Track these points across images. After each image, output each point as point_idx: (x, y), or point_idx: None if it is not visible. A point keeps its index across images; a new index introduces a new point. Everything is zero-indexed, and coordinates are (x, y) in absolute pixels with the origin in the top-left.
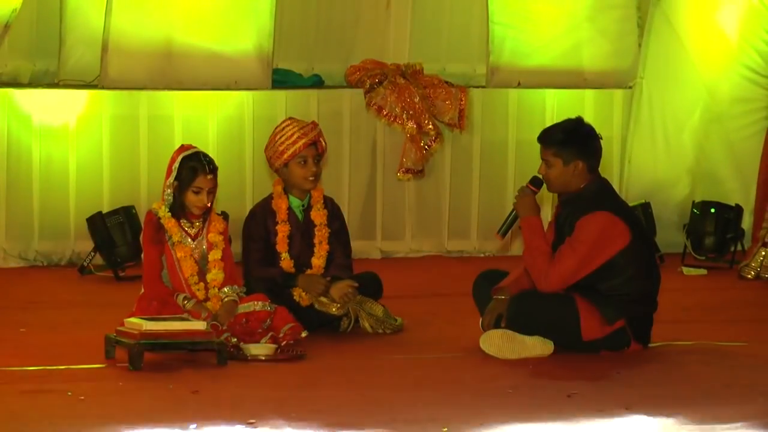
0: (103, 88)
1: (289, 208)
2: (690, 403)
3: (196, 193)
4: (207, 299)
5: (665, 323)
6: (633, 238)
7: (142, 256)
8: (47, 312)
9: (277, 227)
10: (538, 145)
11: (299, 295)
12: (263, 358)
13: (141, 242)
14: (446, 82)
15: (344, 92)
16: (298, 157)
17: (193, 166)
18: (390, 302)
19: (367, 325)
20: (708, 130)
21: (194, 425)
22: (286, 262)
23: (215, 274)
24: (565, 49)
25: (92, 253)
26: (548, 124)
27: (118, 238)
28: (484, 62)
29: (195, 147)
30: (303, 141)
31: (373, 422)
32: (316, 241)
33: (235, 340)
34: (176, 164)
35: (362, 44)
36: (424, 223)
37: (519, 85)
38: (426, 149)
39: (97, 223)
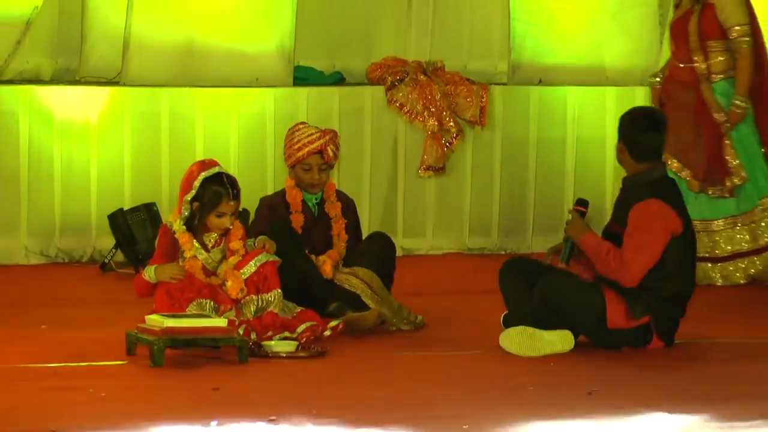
0: (124, 85)
1: (303, 202)
2: (711, 401)
3: (219, 216)
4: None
5: (686, 320)
6: (683, 231)
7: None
8: (68, 309)
9: (291, 217)
10: (558, 142)
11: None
12: (284, 355)
13: (155, 245)
14: (467, 80)
15: (365, 89)
16: (303, 163)
17: (218, 192)
18: (410, 300)
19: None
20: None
21: (215, 422)
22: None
23: (232, 283)
24: (587, 47)
25: (113, 250)
26: (569, 121)
27: (139, 235)
28: (506, 59)
29: (216, 164)
30: (307, 149)
31: (393, 419)
32: (334, 233)
33: (254, 335)
34: (197, 183)
35: (383, 41)
36: (445, 221)
37: (540, 83)
38: (447, 146)
39: (118, 219)
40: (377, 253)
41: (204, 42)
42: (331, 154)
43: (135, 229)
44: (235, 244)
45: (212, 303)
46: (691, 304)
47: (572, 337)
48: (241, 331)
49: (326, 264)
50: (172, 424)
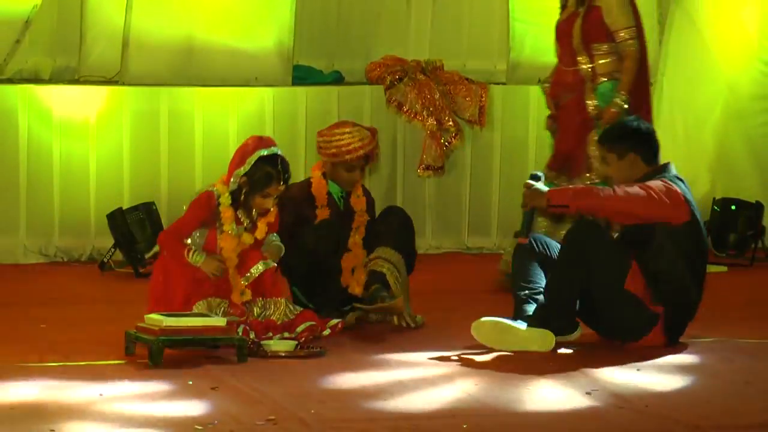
0: (123, 84)
1: (329, 194)
2: (711, 399)
3: (264, 197)
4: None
5: None
6: (691, 219)
7: (180, 220)
8: (67, 308)
9: (316, 212)
10: None
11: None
12: (283, 354)
13: (187, 208)
14: (467, 79)
15: (364, 89)
16: (348, 163)
17: (270, 173)
18: (410, 299)
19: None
20: (728, 127)
21: (214, 422)
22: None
23: (256, 268)
24: None
25: (112, 249)
26: None
27: (139, 234)
28: (505, 59)
29: (274, 143)
30: (357, 154)
31: (392, 419)
32: (354, 225)
33: (254, 335)
34: (251, 159)
35: (383, 40)
36: (444, 220)
37: (539, 82)
38: (446, 146)
39: (117, 219)
40: (398, 232)
41: (203, 41)
42: (376, 153)
43: (134, 229)
44: (263, 227)
45: (225, 305)
46: None
47: (553, 338)
48: (240, 332)
49: (356, 288)
50: (170, 424)
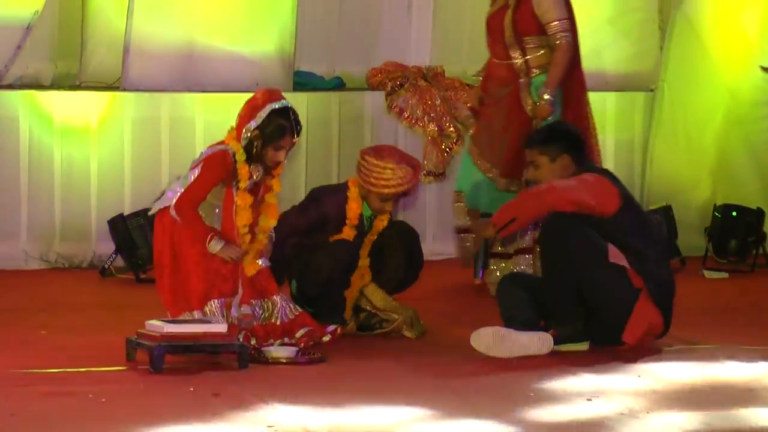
0: (124, 90)
1: (360, 215)
2: (711, 405)
3: (277, 150)
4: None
5: (687, 326)
6: (623, 205)
7: (191, 177)
8: (68, 314)
9: (344, 228)
10: None
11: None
12: (284, 361)
13: (197, 168)
14: (468, 85)
15: (365, 94)
16: (383, 195)
17: (283, 125)
18: (411, 304)
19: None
20: (729, 133)
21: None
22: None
23: (266, 221)
24: (587, 52)
25: (113, 255)
26: None
27: (140, 241)
28: None
29: (283, 96)
30: (395, 190)
31: (393, 426)
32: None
33: (254, 341)
34: (264, 113)
35: (384, 46)
36: (446, 226)
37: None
38: (447, 152)
39: (118, 225)
40: (400, 252)
41: (204, 47)
42: (413, 189)
43: (135, 235)
44: (273, 181)
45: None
46: None
47: (551, 340)
48: (241, 338)
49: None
50: (171, 430)
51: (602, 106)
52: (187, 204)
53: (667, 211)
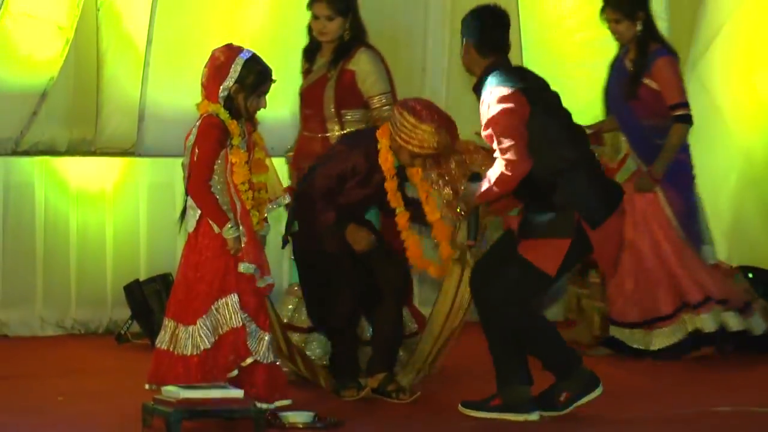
0: (139, 155)
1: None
2: None
3: (260, 96)
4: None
5: (703, 386)
6: (533, 110)
7: (193, 157)
8: (85, 380)
9: (385, 185)
10: None
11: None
12: (301, 426)
13: (195, 146)
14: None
15: None
16: (414, 153)
17: (261, 71)
18: None
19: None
20: (744, 194)
21: None
22: (402, 218)
23: (262, 177)
24: (600, 113)
25: (129, 321)
26: None
27: (156, 306)
28: None
29: (243, 47)
30: (426, 152)
31: None
32: (421, 195)
33: (266, 406)
34: (237, 66)
35: None
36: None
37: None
38: (462, 214)
39: (134, 290)
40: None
41: None
42: (449, 149)
43: (151, 300)
44: (255, 135)
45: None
46: None
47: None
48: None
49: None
50: None
51: None
52: (201, 184)
53: None
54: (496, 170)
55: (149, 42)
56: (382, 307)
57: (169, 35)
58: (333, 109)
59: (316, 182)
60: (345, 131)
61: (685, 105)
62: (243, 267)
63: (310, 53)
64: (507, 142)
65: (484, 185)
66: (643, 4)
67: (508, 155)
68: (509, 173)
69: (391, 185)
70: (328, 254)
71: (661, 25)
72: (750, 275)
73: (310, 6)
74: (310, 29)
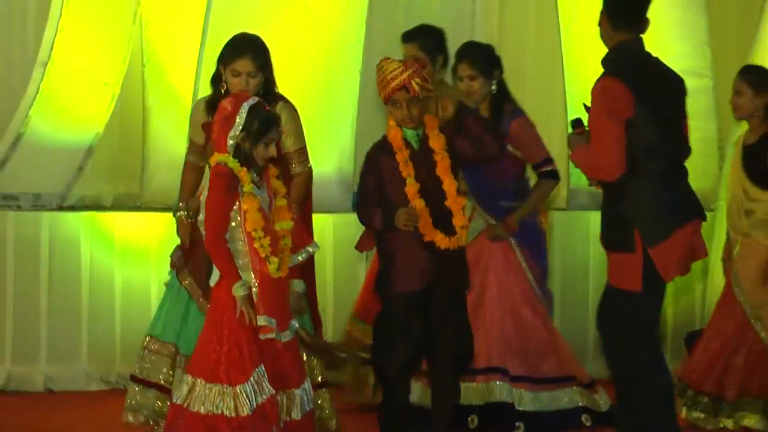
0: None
1: (404, 139)
2: None
3: (267, 144)
4: (271, 255)
5: None
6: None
7: (207, 212)
8: None
9: (396, 157)
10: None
11: None
12: None
13: (207, 199)
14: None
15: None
16: (392, 100)
17: (266, 119)
18: None
19: None
20: None
21: None
22: (412, 187)
23: (284, 224)
24: None
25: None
26: None
27: None
28: (565, 185)
29: (249, 95)
30: (390, 87)
31: None
32: (439, 171)
33: None
34: (242, 113)
35: None
36: None
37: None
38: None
39: None
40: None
41: None
42: (416, 87)
43: None
44: (274, 181)
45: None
46: None
47: None
48: None
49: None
50: None
51: None
52: (213, 237)
53: None
54: (591, 155)
55: (194, 97)
56: (439, 373)
57: None
58: None
59: (360, 199)
60: None
61: (551, 161)
62: (263, 320)
63: (214, 107)
64: (599, 143)
65: (581, 154)
66: (499, 64)
67: (597, 160)
68: (598, 173)
69: (401, 156)
70: (394, 295)
71: (707, 83)
72: None
73: (231, 63)
74: (216, 81)
